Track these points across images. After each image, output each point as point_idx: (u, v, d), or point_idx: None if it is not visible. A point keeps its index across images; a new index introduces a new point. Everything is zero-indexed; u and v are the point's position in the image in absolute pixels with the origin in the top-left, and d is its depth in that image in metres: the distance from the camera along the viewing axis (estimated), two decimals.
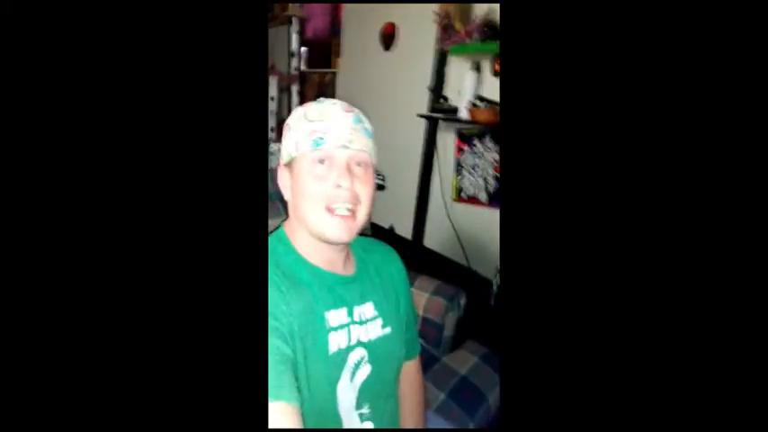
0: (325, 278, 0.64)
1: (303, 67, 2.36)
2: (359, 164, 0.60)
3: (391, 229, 1.93)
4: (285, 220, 0.68)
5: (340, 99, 0.66)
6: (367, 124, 0.63)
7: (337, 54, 2.19)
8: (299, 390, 0.56)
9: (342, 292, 0.65)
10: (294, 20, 2.29)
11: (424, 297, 1.21)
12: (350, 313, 0.65)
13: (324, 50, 2.24)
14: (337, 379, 0.62)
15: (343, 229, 0.59)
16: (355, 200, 0.59)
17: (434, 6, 1.58)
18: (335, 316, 0.63)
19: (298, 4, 2.28)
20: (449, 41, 1.54)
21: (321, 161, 0.59)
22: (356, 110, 0.63)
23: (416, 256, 1.72)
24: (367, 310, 0.68)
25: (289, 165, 0.63)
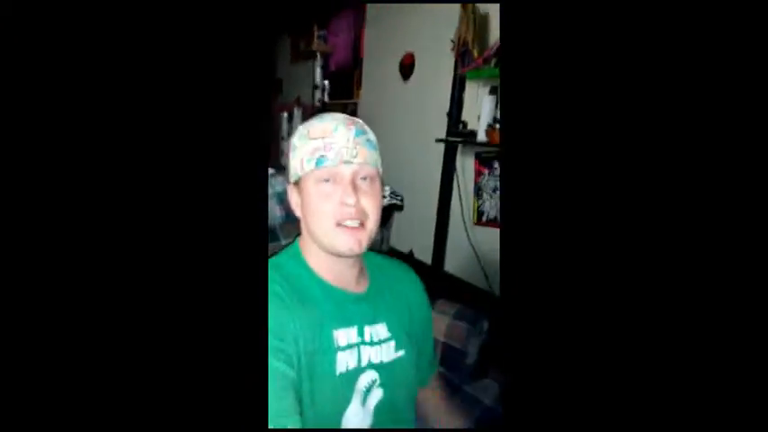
0: (335, 295, 0.62)
1: (326, 99, 2.46)
2: (364, 177, 0.60)
3: (411, 254, 1.91)
4: (299, 235, 0.68)
5: None
6: (370, 135, 0.63)
7: (359, 85, 2.27)
8: (302, 411, 0.54)
9: (352, 309, 0.63)
10: (318, 55, 2.41)
11: (445, 322, 1.17)
12: (360, 333, 0.63)
13: (346, 82, 2.33)
14: (347, 401, 0.60)
15: (353, 242, 0.59)
16: (363, 215, 0.59)
17: (452, 34, 1.62)
18: (344, 335, 0.61)
19: (322, 40, 2.40)
20: (466, 67, 1.58)
21: (326, 179, 0.59)
22: (359, 121, 0.63)
23: (437, 281, 1.69)
24: (380, 330, 0.65)
25: (297, 183, 0.63)
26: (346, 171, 0.59)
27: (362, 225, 0.60)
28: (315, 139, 0.60)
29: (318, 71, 2.42)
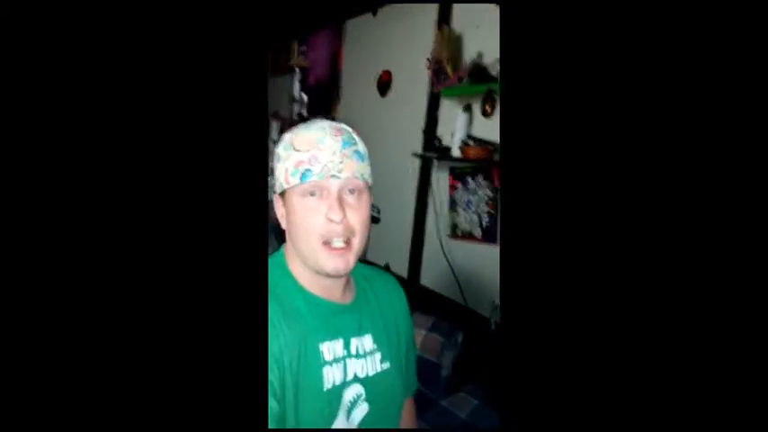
0: (320, 307, 0.60)
1: (304, 113, 2.47)
2: (352, 190, 0.57)
3: (387, 267, 1.91)
4: (284, 243, 0.65)
5: None
6: (360, 146, 0.60)
7: (337, 100, 2.29)
8: (286, 424, 0.53)
9: (338, 321, 0.61)
10: (297, 69, 2.43)
11: (420, 334, 1.17)
12: (346, 345, 0.61)
13: (324, 97, 2.35)
14: (332, 417, 0.58)
15: (340, 264, 0.56)
16: (349, 231, 0.57)
17: (428, 53, 1.67)
18: (330, 348, 0.59)
19: (301, 56, 2.42)
20: (441, 85, 1.62)
21: (311, 193, 0.56)
22: (347, 130, 0.60)
23: (413, 295, 1.69)
24: (366, 342, 0.64)
25: (282, 195, 0.61)
26: (333, 185, 0.56)
27: (349, 244, 0.57)
28: (299, 151, 0.57)
29: (297, 85, 2.44)
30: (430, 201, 1.76)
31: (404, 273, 1.85)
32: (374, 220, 1.47)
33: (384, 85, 1.99)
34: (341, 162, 0.56)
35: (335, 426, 0.59)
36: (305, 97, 2.45)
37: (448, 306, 1.62)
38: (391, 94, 1.98)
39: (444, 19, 1.68)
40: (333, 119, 0.62)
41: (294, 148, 0.57)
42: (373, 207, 1.62)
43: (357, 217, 0.58)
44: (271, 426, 0.50)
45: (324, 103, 2.35)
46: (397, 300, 0.72)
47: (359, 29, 2.15)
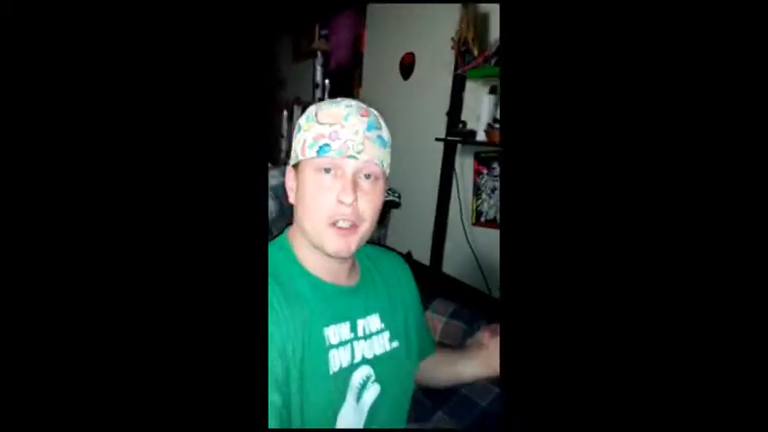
0: (325, 290, 0.59)
1: (326, 98, 2.45)
2: (367, 175, 0.56)
3: (409, 255, 1.89)
4: (290, 225, 0.65)
5: None
6: (384, 132, 0.58)
7: (359, 84, 2.26)
8: (291, 413, 0.52)
9: (344, 304, 0.60)
10: (319, 53, 2.40)
11: (441, 321, 1.16)
12: (353, 328, 0.60)
13: (346, 81, 2.32)
14: (341, 401, 0.58)
15: (342, 245, 0.55)
16: (358, 216, 0.55)
17: (452, 33, 1.61)
18: (336, 331, 0.58)
19: (323, 39, 2.39)
20: (466, 66, 1.56)
21: (326, 170, 0.55)
22: (374, 113, 0.58)
23: (435, 282, 1.67)
24: (372, 322, 0.63)
25: (296, 167, 0.59)
26: (349, 166, 0.54)
27: (355, 227, 0.56)
28: (322, 124, 0.55)
29: (319, 70, 2.42)
30: (453, 187, 1.72)
31: (426, 260, 1.83)
32: (395, 204, 1.46)
33: (407, 67, 1.94)
34: (361, 143, 0.54)
35: (344, 409, 0.58)
36: (326, 82, 2.43)
37: (471, 294, 1.60)
38: (414, 76, 1.93)
39: None
40: None
41: (317, 121, 0.55)
42: (394, 192, 1.60)
43: (368, 203, 0.56)
44: (272, 418, 0.48)
45: (346, 88, 2.32)
46: (403, 278, 0.71)
47: (381, 10, 2.10)
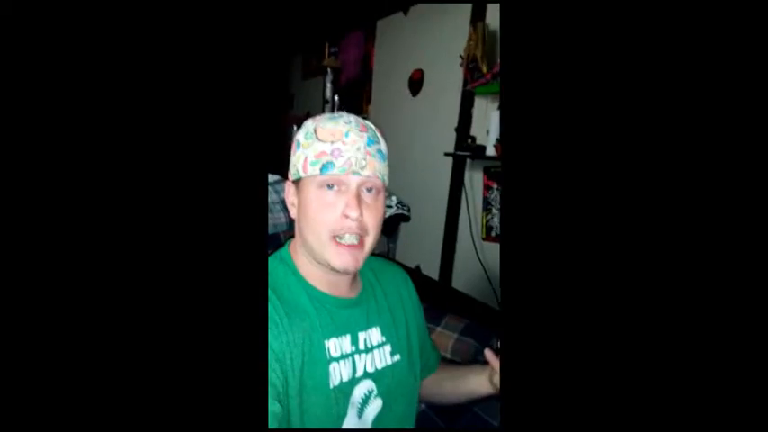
0: (326, 302, 0.59)
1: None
2: (369, 189, 0.56)
3: (418, 269, 1.88)
4: (291, 238, 0.65)
5: None
6: (382, 145, 0.59)
7: (368, 101, 2.29)
8: (290, 425, 0.52)
9: (344, 317, 0.60)
10: (329, 70, 2.44)
11: (452, 338, 1.14)
12: (354, 341, 0.60)
13: (355, 97, 2.36)
14: (341, 416, 0.57)
15: (349, 260, 0.55)
16: (363, 230, 0.56)
17: (461, 50, 1.64)
18: (337, 344, 0.58)
19: (333, 57, 2.44)
20: (475, 83, 1.58)
21: (330, 186, 0.55)
22: (371, 127, 0.59)
23: (444, 298, 1.66)
24: (373, 335, 0.62)
25: (296, 182, 0.59)
26: (353, 181, 0.55)
27: (361, 243, 0.56)
28: (323, 141, 0.55)
29: (329, 86, 2.46)
30: (463, 202, 1.72)
31: (435, 275, 1.82)
32: (404, 218, 1.45)
33: (416, 83, 1.97)
34: (364, 159, 0.55)
35: (346, 425, 0.57)
36: (336, 98, 2.46)
37: (481, 311, 1.58)
38: (423, 93, 1.95)
39: (479, 15, 1.64)
40: (364, 119, 0.61)
41: (317, 138, 0.55)
42: (404, 206, 1.60)
43: (372, 217, 0.57)
44: (274, 426, 0.48)
45: (355, 104, 2.35)
46: (404, 290, 0.71)
47: (390, 28, 2.14)
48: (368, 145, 0.56)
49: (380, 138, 0.59)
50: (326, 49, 2.46)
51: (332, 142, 0.54)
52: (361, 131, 0.56)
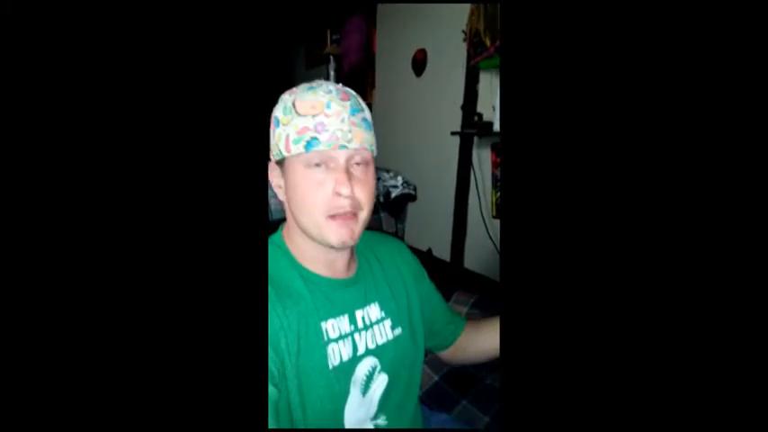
0: (320, 284, 0.58)
1: None
2: (359, 163, 0.54)
3: (429, 252, 1.87)
4: (284, 221, 0.64)
5: (374, 127, 0.56)
6: (366, 113, 0.56)
7: (372, 86, 2.27)
8: (291, 412, 0.52)
9: (341, 297, 0.59)
10: (332, 58, 2.43)
11: (462, 312, 1.13)
12: (352, 320, 0.59)
13: (359, 83, 2.34)
14: (344, 394, 0.56)
15: (346, 235, 0.54)
16: (357, 205, 0.54)
17: (463, 26, 1.60)
18: (335, 325, 0.57)
19: (334, 44, 2.42)
20: (478, 58, 1.55)
21: (317, 164, 0.52)
22: (353, 94, 0.56)
23: (457, 279, 1.64)
24: (372, 312, 0.61)
25: (280, 163, 0.57)
26: (341, 156, 0.52)
27: (355, 215, 0.54)
28: (303, 115, 0.52)
29: (332, 74, 2.44)
30: (472, 180, 1.69)
31: (447, 256, 1.81)
32: (411, 198, 1.43)
33: (419, 64, 1.94)
34: (350, 131, 0.52)
35: (350, 403, 0.57)
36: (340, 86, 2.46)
37: (494, 289, 1.56)
38: (427, 72, 1.92)
39: None
40: (369, 105, 0.60)
41: (297, 113, 0.52)
42: (410, 185, 1.58)
43: (364, 190, 0.54)
44: (270, 411, 0.48)
45: (359, 90, 2.34)
46: (402, 263, 0.69)
47: (390, 10, 2.11)
48: (352, 114, 0.53)
49: (363, 104, 0.57)
50: (329, 37, 2.44)
51: (314, 116, 0.51)
52: (343, 100, 0.53)
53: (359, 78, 2.33)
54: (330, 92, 0.53)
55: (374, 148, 0.57)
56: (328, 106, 0.52)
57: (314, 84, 0.55)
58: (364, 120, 0.55)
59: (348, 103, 0.53)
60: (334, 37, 2.42)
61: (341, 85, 0.57)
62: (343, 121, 0.52)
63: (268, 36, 0.40)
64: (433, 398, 0.96)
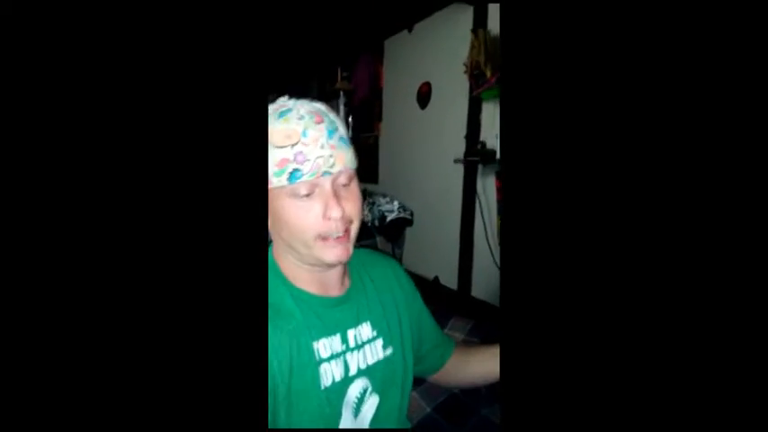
0: (312, 304, 0.57)
1: (350, 134, 2.54)
2: (344, 183, 0.54)
3: (436, 280, 1.84)
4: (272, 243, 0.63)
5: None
6: (341, 130, 0.54)
7: (379, 118, 2.33)
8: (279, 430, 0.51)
9: (332, 316, 0.58)
10: (342, 93, 2.52)
11: (459, 339, 1.09)
12: (344, 339, 0.58)
13: (366, 116, 2.41)
14: (335, 416, 0.55)
15: (341, 252, 0.54)
16: (348, 221, 0.54)
17: (464, 59, 1.65)
18: (327, 345, 0.56)
19: (346, 81, 2.52)
20: (480, 88, 1.58)
21: (306, 195, 0.51)
22: (324, 112, 0.54)
23: (465, 308, 1.60)
24: (363, 331, 0.60)
25: None
26: (326, 183, 0.52)
27: (347, 234, 0.54)
28: (281, 147, 0.50)
29: (342, 108, 2.53)
30: (477, 208, 1.69)
31: (454, 284, 1.77)
32: (408, 222, 1.43)
33: (424, 96, 1.99)
34: (331, 156, 0.51)
35: (342, 425, 0.55)
36: (350, 119, 2.53)
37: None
38: (431, 105, 1.97)
39: (480, 22, 1.66)
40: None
41: (273, 144, 0.50)
42: (406, 210, 1.58)
43: (352, 206, 0.54)
44: None
45: (367, 123, 2.40)
46: (395, 282, 0.68)
47: (396, 46, 2.20)
48: (329, 137, 0.51)
49: (336, 121, 0.55)
50: (339, 74, 2.55)
51: (291, 146, 0.50)
52: (317, 123, 0.51)
53: (367, 111, 2.41)
54: (302, 117, 0.51)
55: (354, 163, 0.56)
56: (305, 134, 0.50)
57: (282, 107, 0.53)
58: (341, 139, 0.53)
59: (323, 126, 0.52)
60: (344, 74, 2.52)
61: (311, 103, 0.55)
62: (322, 147, 0.50)
63: (286, 74, 0.43)
64: (425, 430, 0.91)
